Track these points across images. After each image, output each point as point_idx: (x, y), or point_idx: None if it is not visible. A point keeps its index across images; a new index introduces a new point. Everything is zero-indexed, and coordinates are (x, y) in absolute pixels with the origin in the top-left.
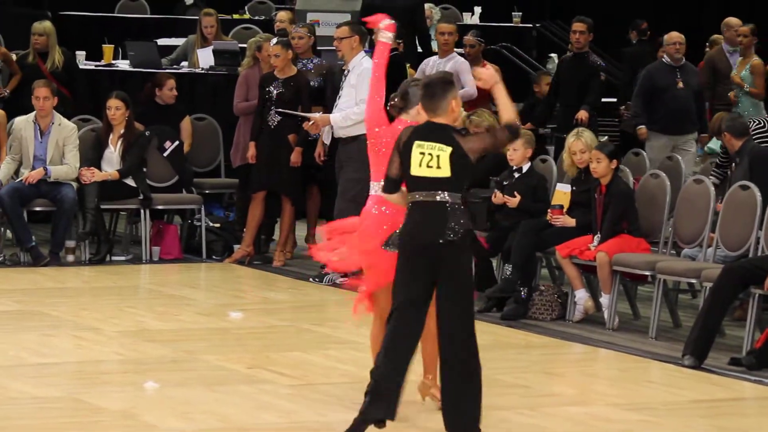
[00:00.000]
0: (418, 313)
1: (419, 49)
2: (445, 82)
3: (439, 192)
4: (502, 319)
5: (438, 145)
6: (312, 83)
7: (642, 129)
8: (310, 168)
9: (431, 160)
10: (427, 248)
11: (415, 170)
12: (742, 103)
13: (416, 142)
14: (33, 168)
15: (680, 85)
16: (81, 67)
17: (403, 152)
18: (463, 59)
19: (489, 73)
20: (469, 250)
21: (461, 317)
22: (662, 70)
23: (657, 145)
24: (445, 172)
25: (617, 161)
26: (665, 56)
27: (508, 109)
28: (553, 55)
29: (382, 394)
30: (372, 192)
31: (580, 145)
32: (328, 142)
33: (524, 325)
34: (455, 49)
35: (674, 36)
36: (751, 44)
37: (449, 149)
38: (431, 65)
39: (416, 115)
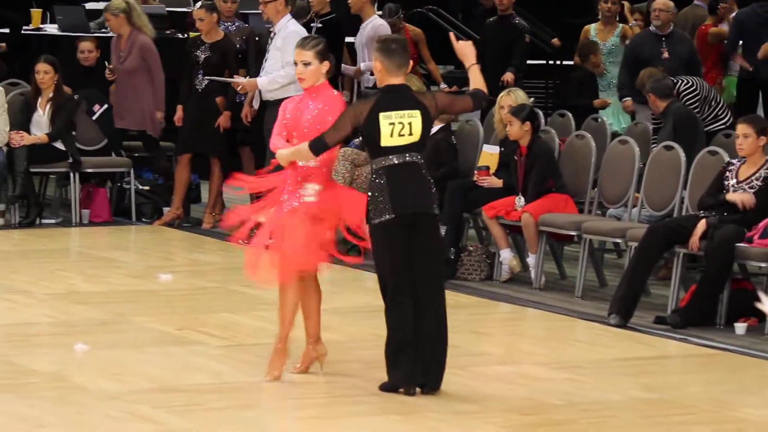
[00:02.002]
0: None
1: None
2: (406, 43)
3: (413, 154)
4: None
5: (407, 111)
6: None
7: (627, 101)
8: (240, 131)
9: (403, 129)
10: (415, 217)
11: (386, 141)
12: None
13: (382, 114)
14: None
15: (665, 55)
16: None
17: (368, 125)
18: (382, 22)
19: (471, 51)
20: None
21: (439, 286)
22: (647, 40)
23: (644, 117)
24: (416, 137)
25: (530, 123)
26: (652, 25)
27: (479, 83)
28: None
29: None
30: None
31: (509, 100)
32: (257, 106)
33: (452, 285)
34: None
35: (657, 2)
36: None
37: (418, 113)
38: (361, 30)
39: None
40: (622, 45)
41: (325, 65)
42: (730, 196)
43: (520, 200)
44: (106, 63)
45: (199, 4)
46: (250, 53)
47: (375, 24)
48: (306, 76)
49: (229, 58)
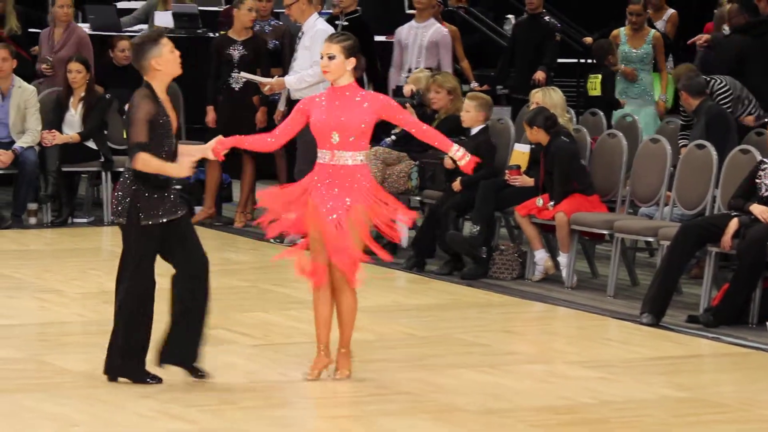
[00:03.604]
0: None
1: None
2: (147, 41)
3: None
4: (462, 279)
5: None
6: (269, 45)
7: (749, 118)
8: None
9: None
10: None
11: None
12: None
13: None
14: None
15: None
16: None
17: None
18: (445, 31)
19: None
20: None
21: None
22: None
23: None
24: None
25: (539, 127)
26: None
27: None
28: (510, 16)
29: None
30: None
31: (537, 98)
32: (283, 108)
33: (484, 285)
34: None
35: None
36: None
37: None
38: (407, 30)
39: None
40: (653, 52)
41: (351, 62)
42: (754, 209)
43: (539, 201)
44: (38, 56)
45: None
46: (285, 52)
47: (438, 30)
48: (330, 69)
49: (262, 56)
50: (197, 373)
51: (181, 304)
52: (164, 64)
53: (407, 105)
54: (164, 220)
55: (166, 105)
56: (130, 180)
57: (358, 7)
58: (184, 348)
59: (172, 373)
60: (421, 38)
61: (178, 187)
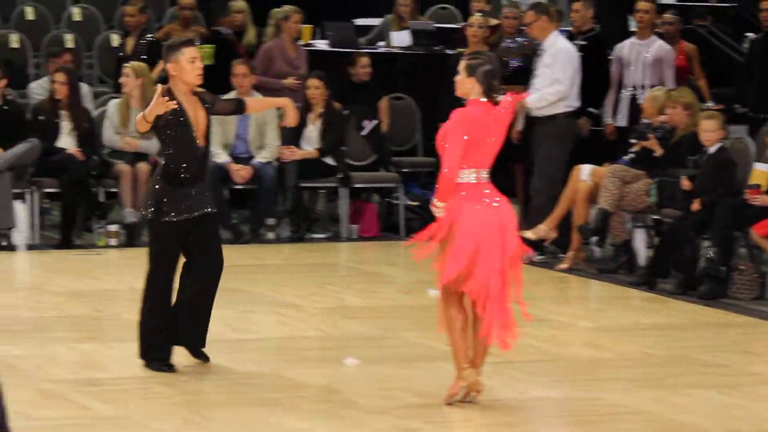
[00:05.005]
0: None
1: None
2: (171, 46)
3: None
4: (700, 298)
5: None
6: (512, 64)
7: None
8: (513, 147)
9: None
10: None
11: None
12: None
13: None
14: (235, 147)
15: None
16: None
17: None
18: (668, 47)
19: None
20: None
21: None
22: None
23: None
24: None
25: None
26: None
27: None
28: (749, 34)
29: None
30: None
31: None
32: (520, 128)
33: (722, 304)
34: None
35: None
36: None
37: None
38: (628, 47)
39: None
40: None
41: (472, 81)
42: None
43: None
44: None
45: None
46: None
47: (661, 47)
48: (456, 84)
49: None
50: (202, 356)
51: (187, 292)
52: (179, 71)
53: (650, 137)
54: (182, 218)
55: (187, 107)
56: (154, 177)
57: (596, 25)
58: (190, 333)
59: (409, 390)
60: (644, 55)
61: (415, 203)
